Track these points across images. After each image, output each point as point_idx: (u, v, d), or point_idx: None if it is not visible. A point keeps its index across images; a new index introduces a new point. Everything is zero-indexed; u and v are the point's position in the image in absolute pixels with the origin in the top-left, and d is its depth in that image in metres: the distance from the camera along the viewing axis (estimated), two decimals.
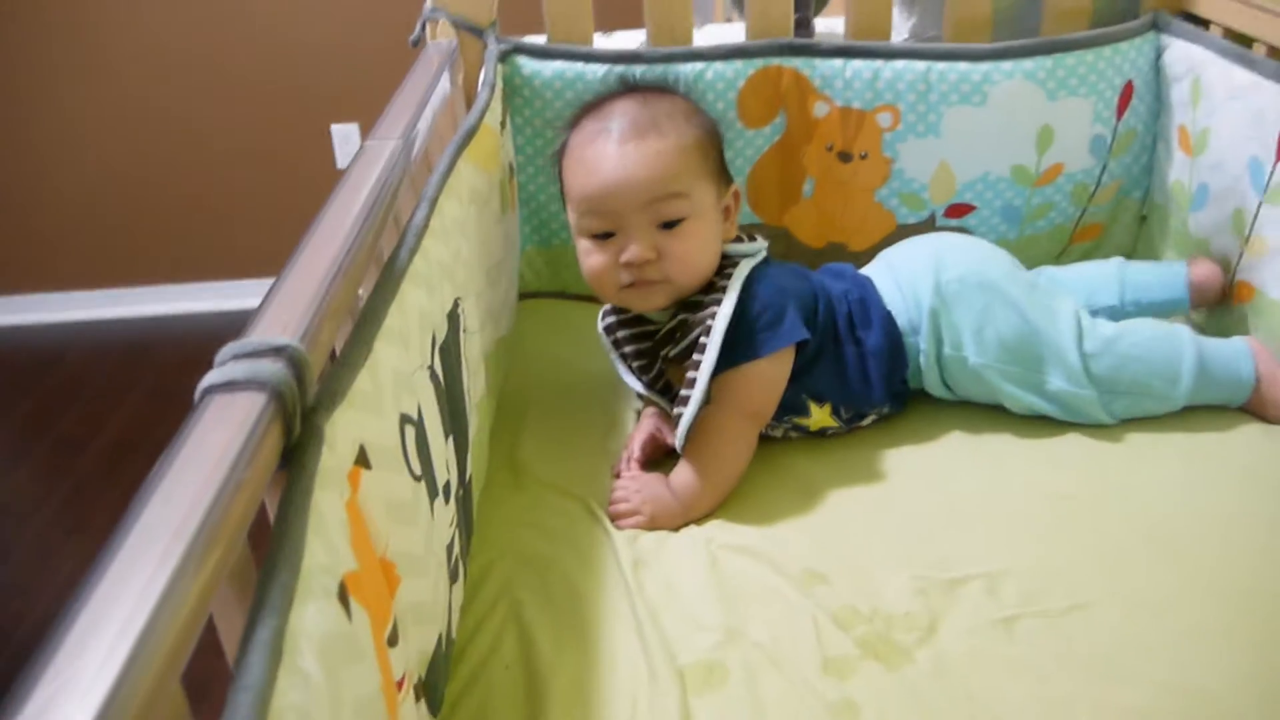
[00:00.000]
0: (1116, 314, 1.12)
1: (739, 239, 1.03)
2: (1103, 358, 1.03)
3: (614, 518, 0.96)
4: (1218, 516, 0.93)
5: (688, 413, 0.96)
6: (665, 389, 1.06)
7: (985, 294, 1.04)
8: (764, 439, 1.03)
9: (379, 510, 0.60)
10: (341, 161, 2.80)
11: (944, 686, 0.76)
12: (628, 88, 1.03)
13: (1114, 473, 0.99)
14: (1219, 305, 1.19)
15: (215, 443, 0.48)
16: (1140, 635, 0.80)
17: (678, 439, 0.97)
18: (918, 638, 0.81)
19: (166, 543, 0.42)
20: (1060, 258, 1.38)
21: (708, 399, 0.96)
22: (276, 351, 0.53)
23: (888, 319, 1.06)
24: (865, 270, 1.13)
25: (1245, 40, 1.21)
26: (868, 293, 1.08)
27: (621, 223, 0.96)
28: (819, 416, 1.04)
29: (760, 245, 1.03)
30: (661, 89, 1.03)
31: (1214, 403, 1.06)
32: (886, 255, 1.15)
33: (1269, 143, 1.10)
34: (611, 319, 1.09)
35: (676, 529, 0.95)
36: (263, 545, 0.48)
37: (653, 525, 0.95)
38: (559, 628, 0.83)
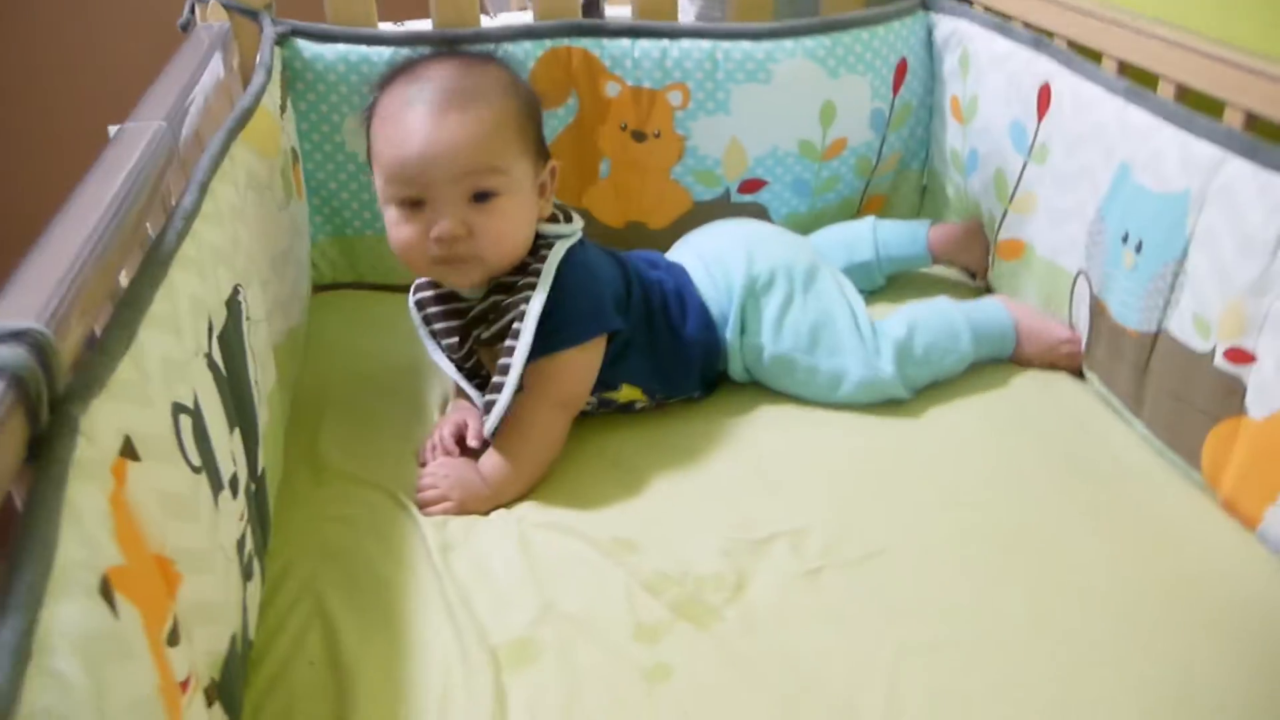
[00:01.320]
0: (871, 269, 1.23)
1: (554, 217, 1.00)
2: (896, 332, 1.07)
3: (422, 505, 0.94)
4: (995, 465, 0.99)
5: (499, 403, 0.94)
6: (475, 368, 1.04)
7: (789, 285, 1.08)
8: None
9: (152, 504, 0.56)
10: None
11: (754, 640, 0.78)
12: (446, 50, 0.99)
13: (902, 433, 1.04)
14: (978, 262, 1.28)
15: None
16: (930, 576, 0.85)
17: (487, 428, 0.96)
18: (726, 597, 0.82)
19: None
20: None
21: (519, 387, 0.95)
22: (16, 336, 0.49)
23: (703, 310, 1.07)
24: (675, 259, 1.14)
25: (1005, 17, 1.29)
26: (683, 283, 1.09)
27: (432, 193, 0.91)
28: (629, 392, 1.05)
29: (576, 226, 1.01)
30: (483, 56, 0.98)
31: (990, 358, 1.13)
32: (695, 245, 1.16)
33: (1029, 105, 1.18)
34: (424, 294, 1.05)
35: (485, 513, 0.93)
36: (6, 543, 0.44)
37: (461, 510, 0.93)
38: (365, 620, 0.80)
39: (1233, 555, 0.87)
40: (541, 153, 0.99)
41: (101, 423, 0.52)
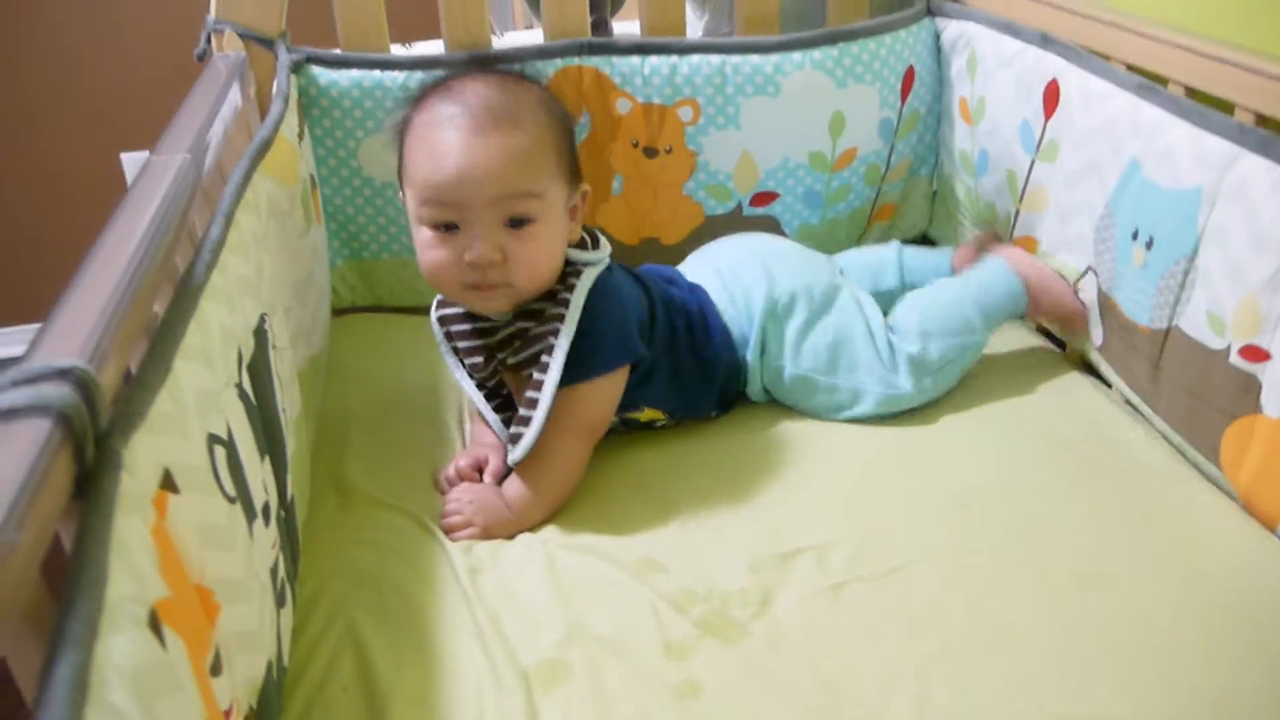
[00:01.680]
0: (895, 295, 1.19)
1: (582, 242, 0.98)
2: (910, 348, 1.07)
3: (447, 530, 0.94)
4: (1014, 470, 0.99)
5: (526, 438, 0.94)
6: (497, 386, 1.05)
7: (809, 307, 1.08)
8: None
9: (191, 535, 0.57)
10: None
11: (781, 654, 0.79)
12: (482, 68, 0.97)
13: (919, 441, 1.05)
14: None
15: None
16: (953, 587, 0.85)
17: (513, 458, 0.96)
18: (753, 612, 0.83)
19: None
20: (861, 239, 1.44)
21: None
22: (62, 374, 0.50)
23: (724, 331, 1.08)
24: (693, 276, 1.13)
25: (1012, 23, 1.29)
26: (704, 302, 1.09)
27: (467, 216, 0.89)
28: (650, 414, 1.06)
29: (603, 254, 0.99)
30: (519, 75, 0.97)
31: (1005, 320, 1.15)
32: (713, 262, 1.16)
33: (1036, 103, 1.18)
34: (447, 310, 1.04)
35: (510, 538, 0.94)
36: (58, 579, 0.45)
37: (486, 535, 0.94)
38: (397, 644, 0.81)
39: (1253, 553, 0.87)
40: (575, 175, 0.97)
41: (142, 456, 0.53)
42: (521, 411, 0.96)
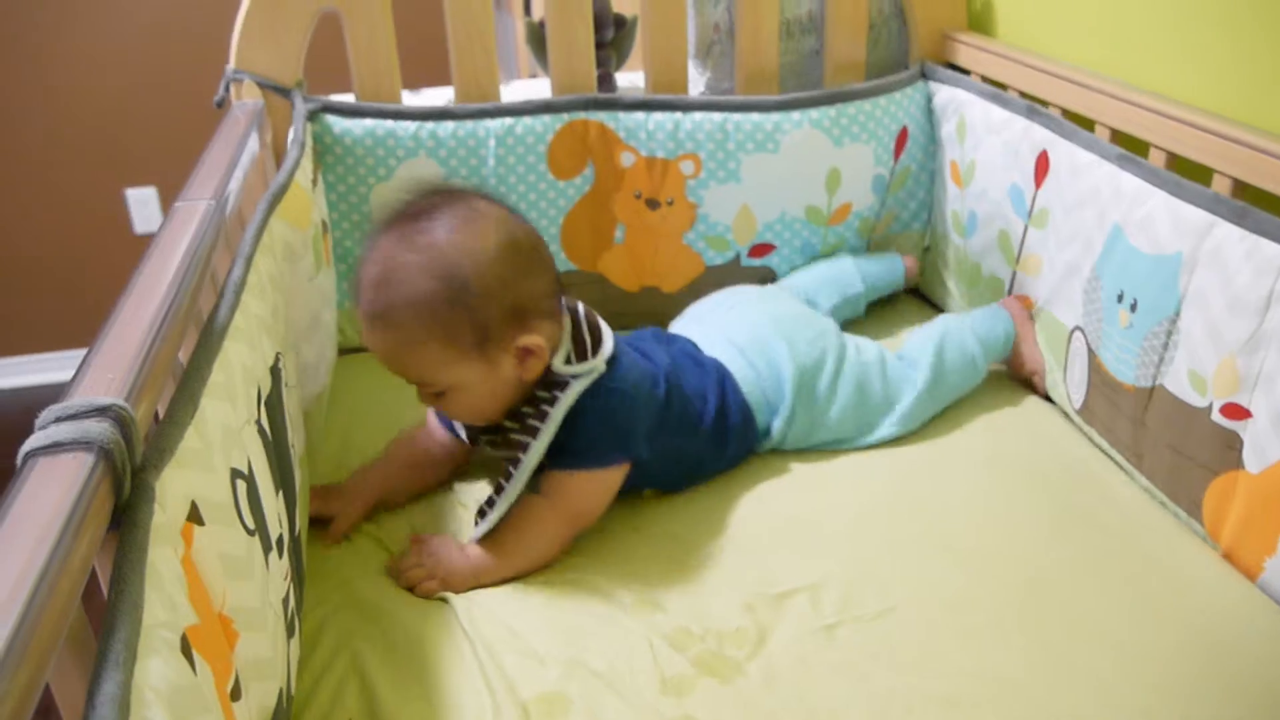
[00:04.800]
0: (859, 300, 1.38)
1: (582, 348, 0.96)
2: (922, 390, 1.15)
3: (407, 586, 0.93)
4: (1003, 517, 1.02)
5: (486, 522, 0.95)
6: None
7: (834, 366, 1.14)
8: None
9: (214, 565, 0.60)
10: (139, 226, 2.69)
11: (775, 693, 0.81)
12: (397, 216, 0.94)
13: (909, 485, 1.08)
14: None
15: (44, 506, 0.47)
16: (944, 630, 0.88)
17: (473, 535, 0.96)
18: (748, 652, 0.85)
19: None
20: None
21: (532, 488, 0.96)
22: (101, 411, 0.53)
23: (746, 409, 1.10)
24: (710, 351, 1.14)
25: (1001, 86, 1.35)
26: (727, 380, 1.10)
27: None
28: (652, 494, 1.07)
29: (596, 363, 0.96)
30: (428, 222, 0.92)
31: (997, 359, 1.24)
32: (725, 331, 1.17)
33: (1026, 170, 1.23)
34: None
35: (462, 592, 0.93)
36: (93, 605, 0.48)
37: (444, 588, 0.93)
38: (400, 676, 0.83)
39: (1236, 605, 0.90)
40: (499, 336, 0.92)
41: (172, 489, 0.56)
42: (490, 495, 0.96)
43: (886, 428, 1.14)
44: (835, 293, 1.36)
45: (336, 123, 1.27)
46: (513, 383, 0.94)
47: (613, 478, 0.99)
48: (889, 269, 1.43)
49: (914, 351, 1.19)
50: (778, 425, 1.12)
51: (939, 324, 1.24)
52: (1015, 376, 1.27)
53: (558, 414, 0.94)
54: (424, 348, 0.91)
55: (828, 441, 1.14)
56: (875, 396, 1.14)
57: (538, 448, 0.94)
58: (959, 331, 1.21)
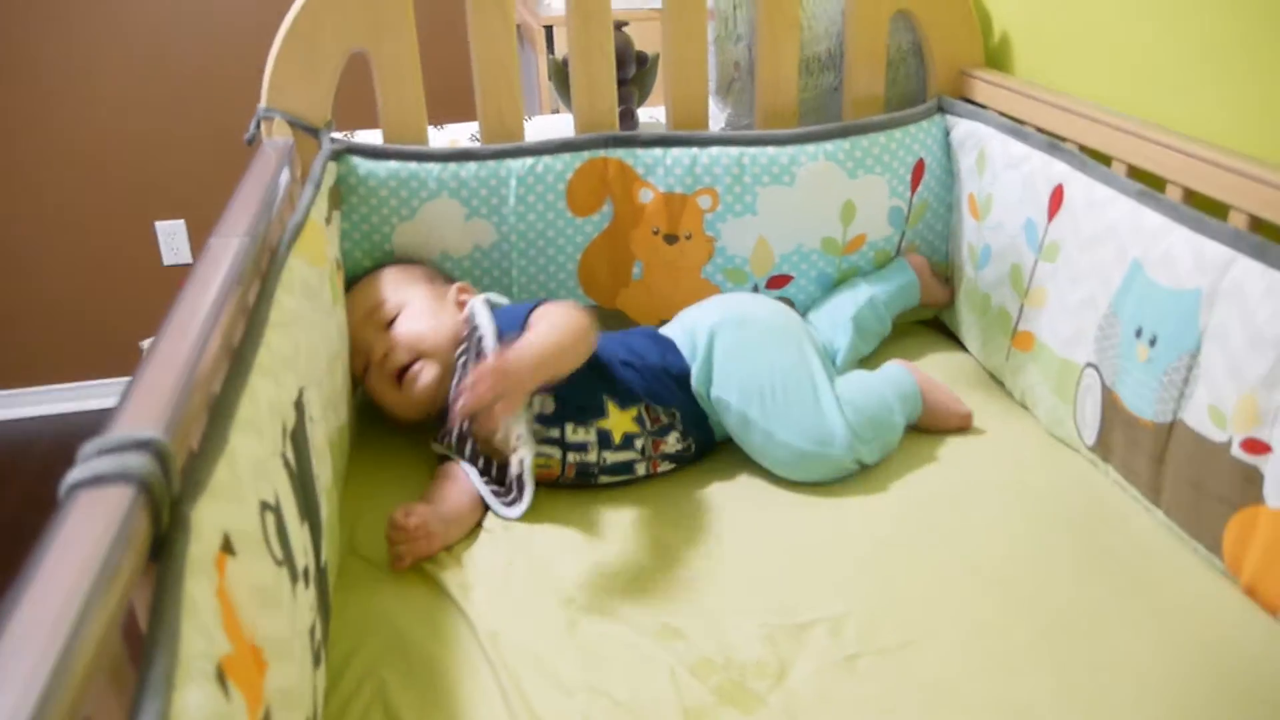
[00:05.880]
0: (874, 305, 1.39)
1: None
2: (852, 414, 1.15)
3: (465, 409, 0.98)
4: (1023, 549, 1.02)
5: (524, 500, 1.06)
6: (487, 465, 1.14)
7: (751, 333, 1.20)
8: (595, 489, 1.14)
9: (244, 596, 0.61)
10: (167, 258, 2.73)
11: None
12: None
13: (927, 516, 1.08)
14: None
15: (86, 539, 0.48)
16: (966, 662, 0.88)
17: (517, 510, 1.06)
18: (769, 684, 0.86)
19: (42, 643, 0.42)
20: None
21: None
22: (141, 445, 0.54)
23: (671, 344, 1.23)
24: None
25: (1019, 122, 1.36)
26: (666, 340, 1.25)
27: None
28: (618, 420, 1.13)
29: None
30: None
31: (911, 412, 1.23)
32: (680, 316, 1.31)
33: (1041, 205, 1.24)
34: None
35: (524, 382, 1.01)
36: (132, 635, 0.49)
37: (513, 387, 0.99)
38: (424, 704, 0.84)
39: (1258, 640, 0.90)
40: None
41: (206, 521, 0.58)
42: (512, 471, 1.09)
43: (796, 454, 1.13)
44: (848, 303, 1.38)
45: (361, 164, 1.30)
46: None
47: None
48: (896, 268, 1.44)
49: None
50: (695, 371, 1.18)
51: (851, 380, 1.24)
52: (937, 428, 1.24)
53: (475, 313, 1.17)
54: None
55: (743, 428, 1.15)
56: (787, 410, 1.13)
57: (484, 324, 1.14)
58: (875, 387, 1.22)
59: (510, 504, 1.08)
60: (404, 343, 1.18)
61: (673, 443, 1.16)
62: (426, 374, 1.17)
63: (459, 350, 1.17)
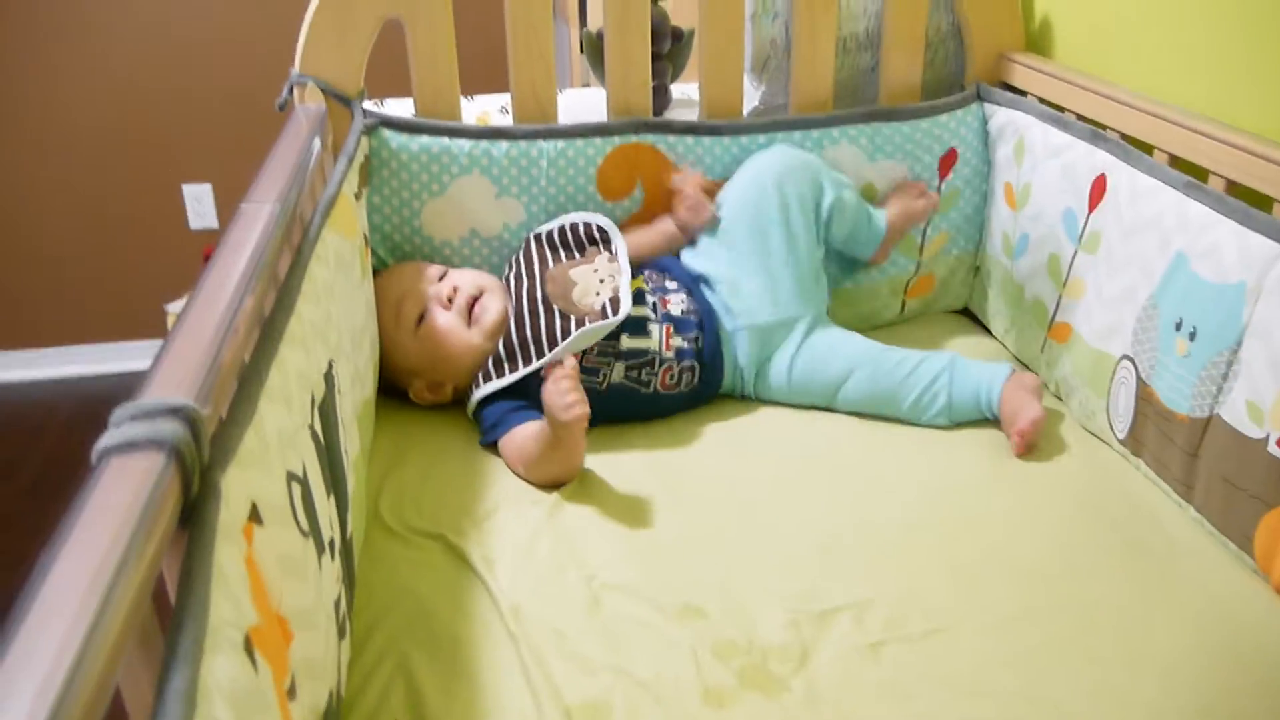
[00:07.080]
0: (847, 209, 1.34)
1: None
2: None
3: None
4: (1054, 537, 1.01)
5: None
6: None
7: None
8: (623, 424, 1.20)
9: (271, 566, 0.61)
10: (194, 222, 2.74)
11: (819, 711, 0.81)
12: None
13: (955, 503, 1.07)
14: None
15: (118, 504, 0.48)
16: (993, 652, 0.87)
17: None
18: (792, 668, 0.85)
19: (75, 609, 0.42)
20: (904, 309, 1.48)
21: None
22: (173, 412, 0.54)
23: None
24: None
25: (1058, 108, 1.34)
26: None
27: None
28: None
29: None
30: None
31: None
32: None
33: (1081, 195, 1.22)
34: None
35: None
36: (160, 602, 0.49)
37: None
38: (446, 678, 0.84)
39: None
40: None
41: (235, 489, 0.57)
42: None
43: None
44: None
45: (394, 137, 1.29)
46: None
47: None
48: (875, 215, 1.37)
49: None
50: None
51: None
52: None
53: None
54: None
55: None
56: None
57: None
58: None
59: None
60: (469, 278, 1.26)
61: (677, 304, 1.24)
62: (494, 304, 1.24)
63: (505, 274, 1.30)
